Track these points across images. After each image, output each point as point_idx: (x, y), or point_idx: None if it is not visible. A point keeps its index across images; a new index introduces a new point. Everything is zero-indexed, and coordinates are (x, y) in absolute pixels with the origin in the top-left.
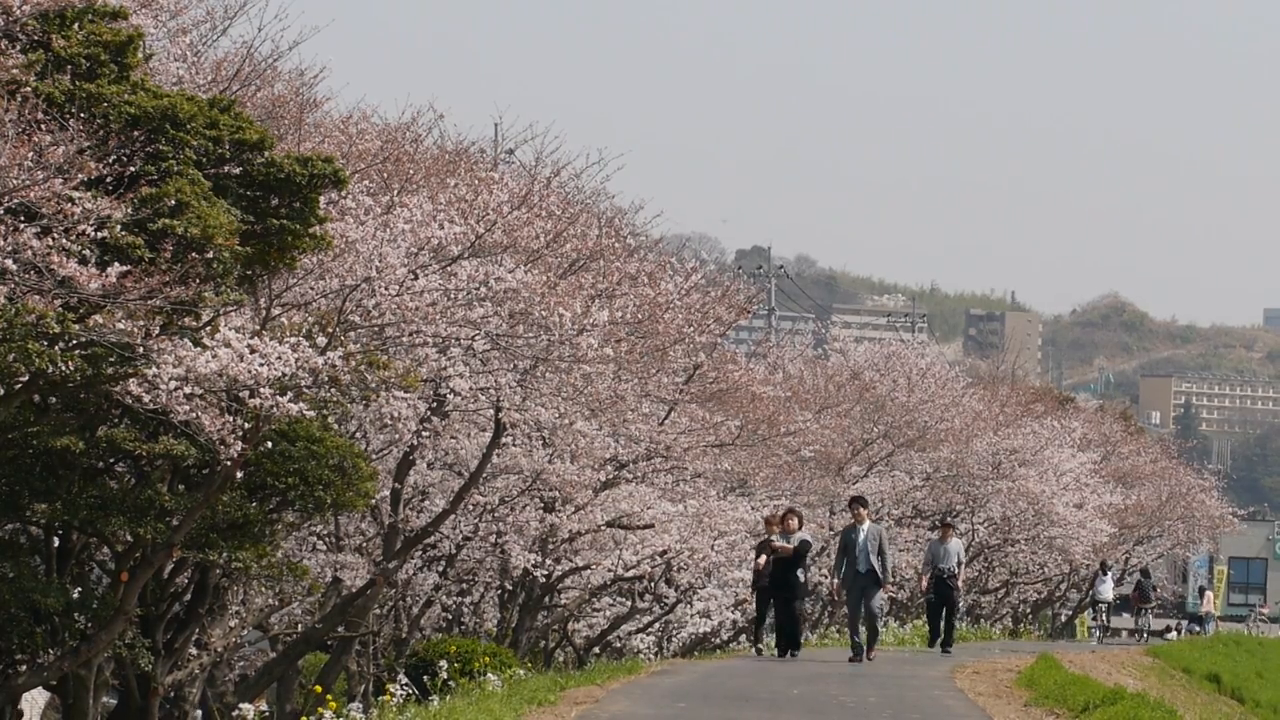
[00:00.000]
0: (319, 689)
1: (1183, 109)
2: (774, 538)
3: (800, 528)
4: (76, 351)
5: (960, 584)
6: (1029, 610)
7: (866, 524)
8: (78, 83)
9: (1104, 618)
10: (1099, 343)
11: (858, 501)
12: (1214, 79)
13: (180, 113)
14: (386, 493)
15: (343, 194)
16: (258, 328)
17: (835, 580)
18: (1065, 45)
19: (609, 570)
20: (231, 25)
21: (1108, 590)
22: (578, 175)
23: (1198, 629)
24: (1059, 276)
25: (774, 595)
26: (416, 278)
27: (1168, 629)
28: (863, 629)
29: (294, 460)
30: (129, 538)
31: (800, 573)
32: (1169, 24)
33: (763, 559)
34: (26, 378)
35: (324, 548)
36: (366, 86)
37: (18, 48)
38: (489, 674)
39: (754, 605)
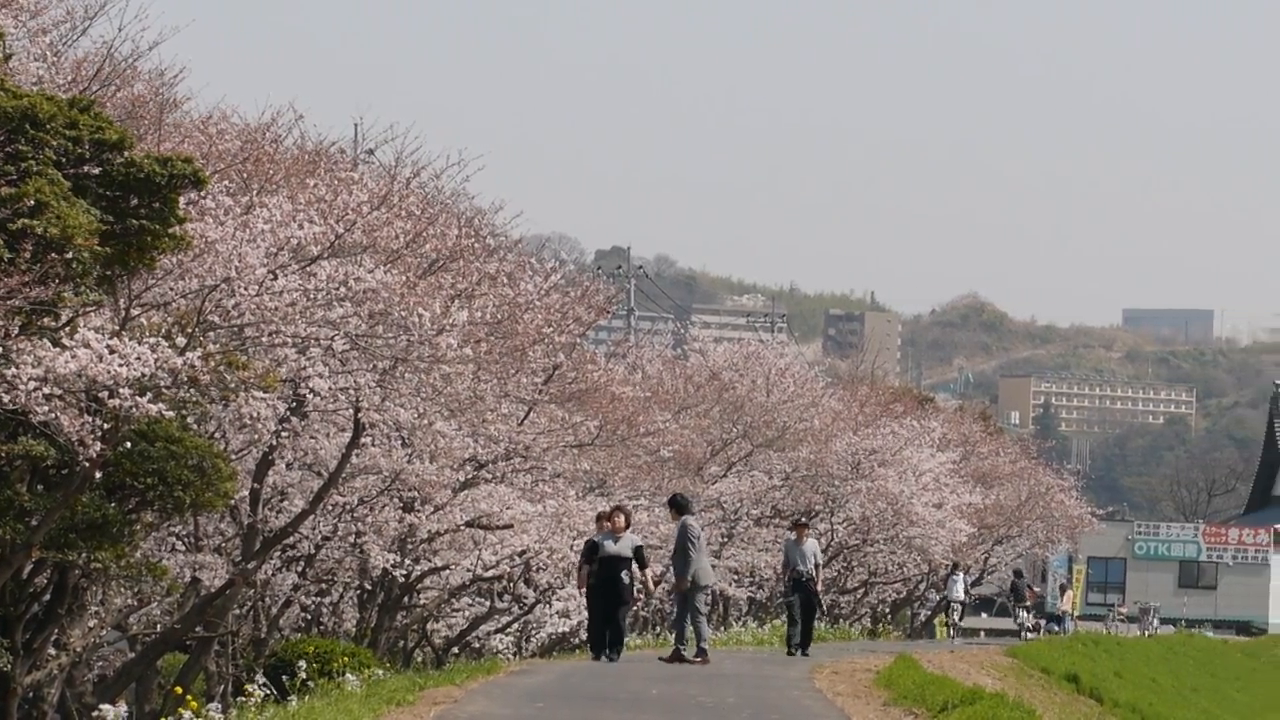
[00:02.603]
0: (179, 689)
1: (1043, 118)
2: (599, 538)
3: (628, 527)
4: None
5: (820, 584)
6: (888, 610)
7: (678, 523)
8: None
9: (956, 617)
10: (958, 343)
11: (668, 503)
12: (1071, 91)
13: (40, 112)
14: (245, 493)
15: (202, 194)
16: (117, 328)
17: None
18: (921, 52)
19: (468, 570)
20: (92, 25)
21: (959, 590)
22: (438, 176)
23: (1057, 628)
24: (919, 277)
25: (602, 598)
26: (276, 278)
27: (1035, 627)
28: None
29: (153, 460)
30: None
31: (625, 575)
32: (1025, 34)
33: (585, 571)
34: None
35: (183, 548)
36: (226, 87)
37: None
38: (348, 674)
39: (587, 610)
